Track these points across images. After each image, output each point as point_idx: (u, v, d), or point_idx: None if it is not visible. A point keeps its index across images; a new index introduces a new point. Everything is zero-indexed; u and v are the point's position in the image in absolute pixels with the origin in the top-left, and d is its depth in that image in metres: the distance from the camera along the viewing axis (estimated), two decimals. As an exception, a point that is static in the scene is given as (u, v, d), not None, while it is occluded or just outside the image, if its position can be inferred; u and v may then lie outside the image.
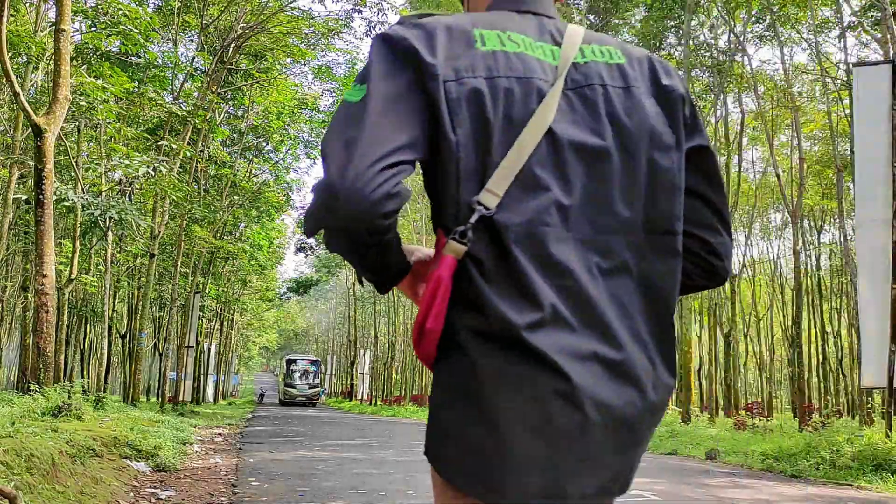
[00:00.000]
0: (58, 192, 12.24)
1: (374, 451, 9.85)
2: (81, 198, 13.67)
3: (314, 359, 44.82)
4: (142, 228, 16.36)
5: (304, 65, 23.74)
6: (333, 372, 65.56)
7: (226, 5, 19.33)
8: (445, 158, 1.05)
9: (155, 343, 34.90)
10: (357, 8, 20.60)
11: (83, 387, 9.99)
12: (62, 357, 17.66)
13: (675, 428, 13.26)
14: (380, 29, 24.96)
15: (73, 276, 17.34)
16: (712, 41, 19.30)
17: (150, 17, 14.14)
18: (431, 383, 1.12)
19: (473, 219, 1.02)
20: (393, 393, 43.52)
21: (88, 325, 29.37)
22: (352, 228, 0.99)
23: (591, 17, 22.13)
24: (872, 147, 8.92)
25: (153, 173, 14.39)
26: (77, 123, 15.78)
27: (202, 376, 35.16)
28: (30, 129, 10.80)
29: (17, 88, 9.11)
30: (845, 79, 16.59)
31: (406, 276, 1.14)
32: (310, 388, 41.81)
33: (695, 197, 1.20)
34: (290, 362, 43.03)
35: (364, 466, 7.84)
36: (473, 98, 1.05)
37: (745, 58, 19.07)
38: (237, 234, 32.07)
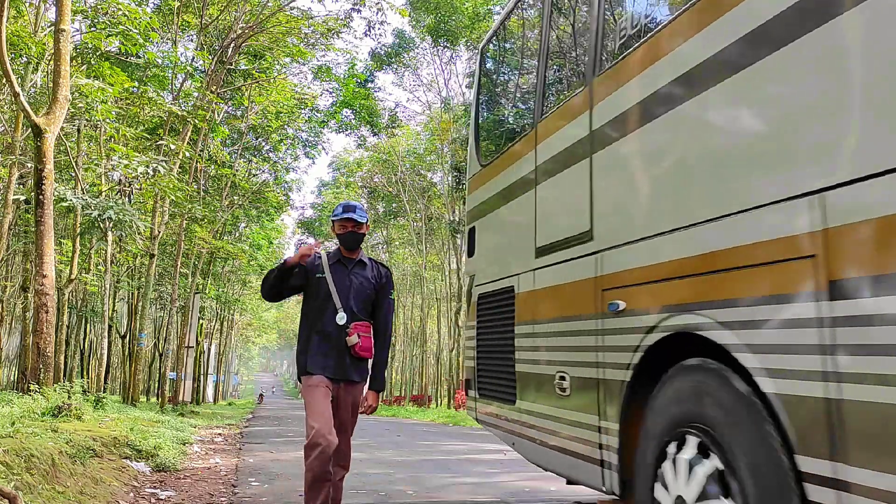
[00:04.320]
0: (56, 193, 12.23)
1: (374, 450, 9.85)
2: (80, 199, 13.66)
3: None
4: (141, 229, 16.36)
5: (304, 65, 23.75)
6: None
7: (225, 5, 19.33)
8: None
9: (155, 343, 34.94)
10: (356, 7, 20.60)
11: (83, 387, 9.98)
12: (62, 357, 17.68)
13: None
14: (379, 29, 24.98)
15: (73, 276, 17.35)
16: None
17: (150, 17, 14.13)
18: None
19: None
20: (393, 393, 43.52)
21: (88, 325, 29.39)
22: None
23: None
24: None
25: (152, 173, 14.38)
26: (77, 124, 15.78)
27: (202, 376, 35.20)
28: (30, 130, 10.80)
29: (17, 89, 9.11)
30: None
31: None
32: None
33: None
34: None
35: (364, 466, 7.84)
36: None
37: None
38: (237, 235, 32.08)
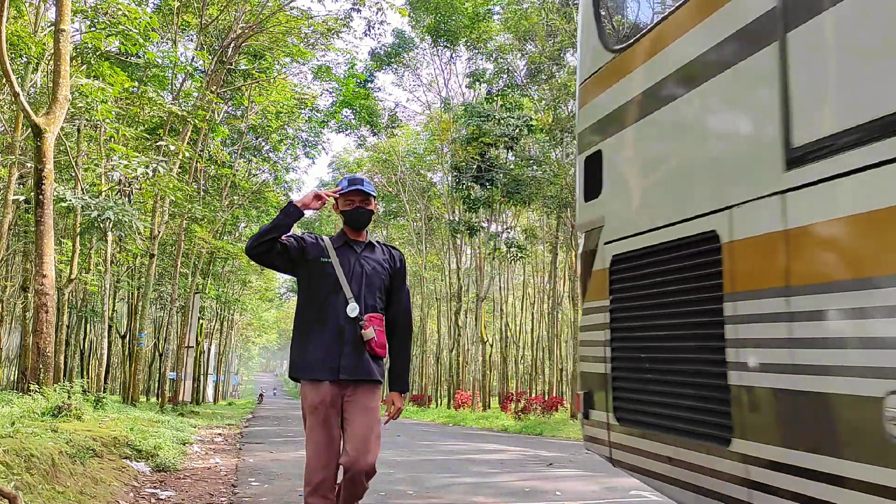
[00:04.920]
0: (56, 193, 12.24)
1: (374, 450, 9.83)
2: (80, 199, 13.67)
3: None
4: (140, 229, 16.38)
5: (304, 65, 23.77)
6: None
7: (225, 5, 19.33)
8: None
9: (155, 343, 34.96)
10: (356, 7, 20.60)
11: (83, 387, 9.99)
12: (62, 357, 17.69)
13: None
14: (379, 29, 24.99)
15: (73, 276, 17.35)
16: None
17: (150, 17, 14.15)
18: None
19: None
20: (393, 393, 43.50)
21: (88, 325, 29.39)
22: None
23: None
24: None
25: (152, 173, 14.40)
26: (77, 124, 15.79)
27: (202, 376, 35.20)
28: (30, 130, 10.81)
29: (17, 89, 9.12)
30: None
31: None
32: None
33: None
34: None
35: (364, 466, 7.83)
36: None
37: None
38: (237, 235, 32.11)
